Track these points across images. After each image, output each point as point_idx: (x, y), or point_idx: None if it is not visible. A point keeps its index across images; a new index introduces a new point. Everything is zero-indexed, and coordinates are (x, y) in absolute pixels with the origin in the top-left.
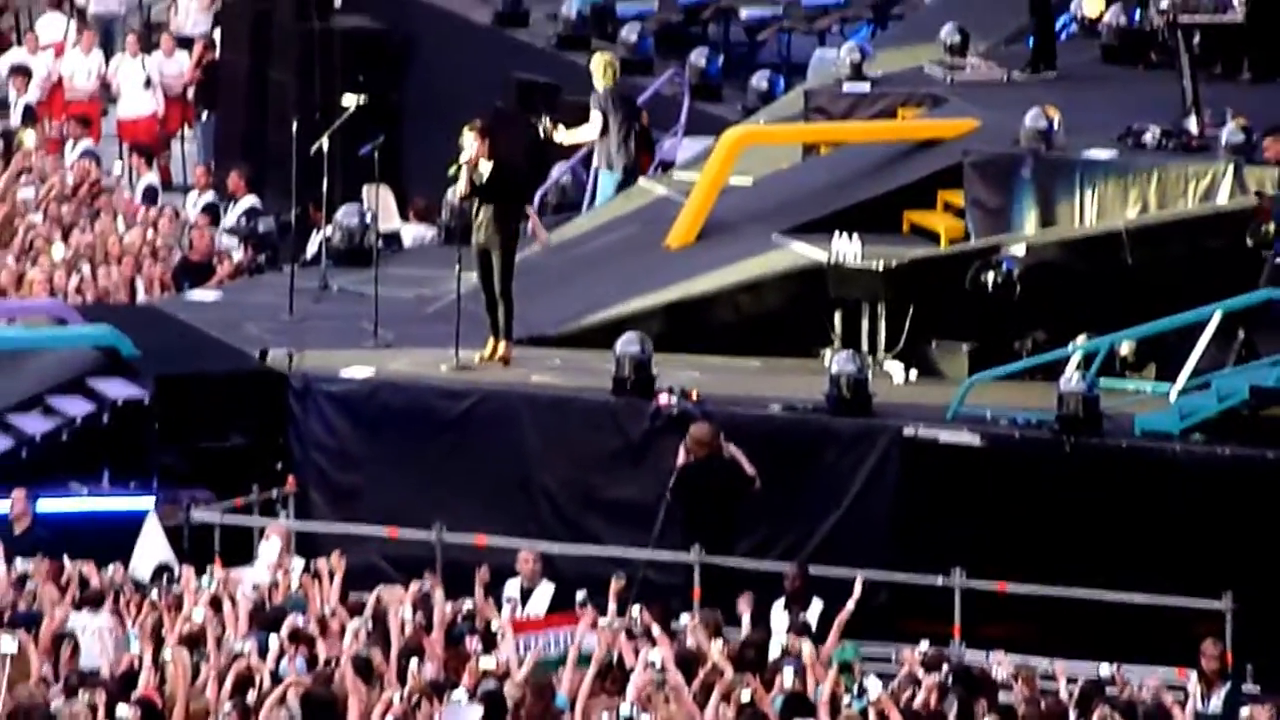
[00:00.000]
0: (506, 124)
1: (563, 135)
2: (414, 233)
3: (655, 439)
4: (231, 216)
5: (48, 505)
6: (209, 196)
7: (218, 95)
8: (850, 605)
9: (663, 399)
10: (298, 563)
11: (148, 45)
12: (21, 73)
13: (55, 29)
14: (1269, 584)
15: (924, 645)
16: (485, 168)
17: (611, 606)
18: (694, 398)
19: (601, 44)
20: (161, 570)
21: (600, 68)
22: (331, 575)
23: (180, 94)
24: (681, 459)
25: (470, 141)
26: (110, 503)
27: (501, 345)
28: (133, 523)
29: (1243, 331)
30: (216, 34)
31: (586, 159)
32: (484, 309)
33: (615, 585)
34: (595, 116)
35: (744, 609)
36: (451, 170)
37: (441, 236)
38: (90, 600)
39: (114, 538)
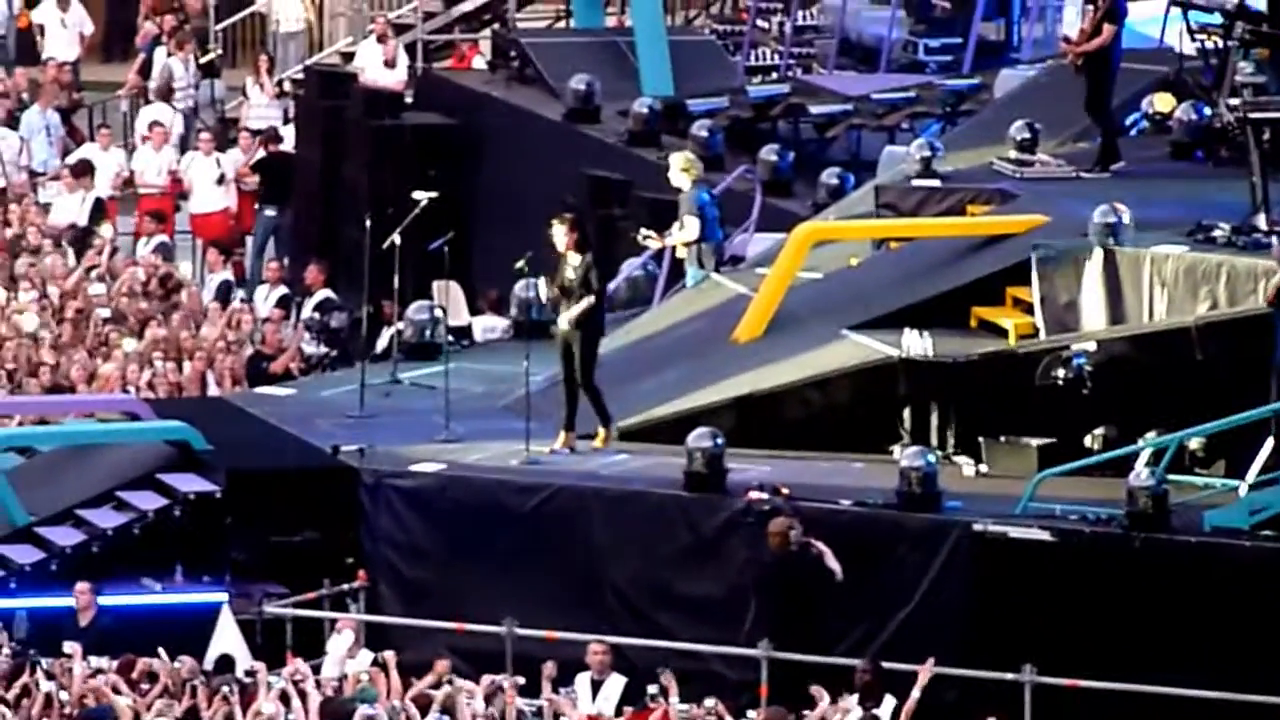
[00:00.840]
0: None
1: (666, 241)
2: (484, 324)
3: (727, 534)
4: (306, 310)
5: (117, 599)
6: (281, 291)
7: (291, 191)
8: (916, 694)
9: (754, 494)
10: (365, 656)
11: (223, 142)
12: (86, 169)
13: (160, 120)
14: None
15: None
16: (574, 260)
17: (674, 698)
18: (785, 494)
19: (672, 140)
20: (231, 663)
21: (683, 168)
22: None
23: (254, 190)
24: (767, 553)
25: (560, 234)
26: (182, 597)
27: (602, 432)
28: (205, 617)
29: None
30: (279, 126)
31: (658, 254)
32: (562, 400)
33: (666, 679)
34: (691, 221)
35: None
36: (519, 265)
37: (511, 331)
38: (163, 695)
39: (186, 632)
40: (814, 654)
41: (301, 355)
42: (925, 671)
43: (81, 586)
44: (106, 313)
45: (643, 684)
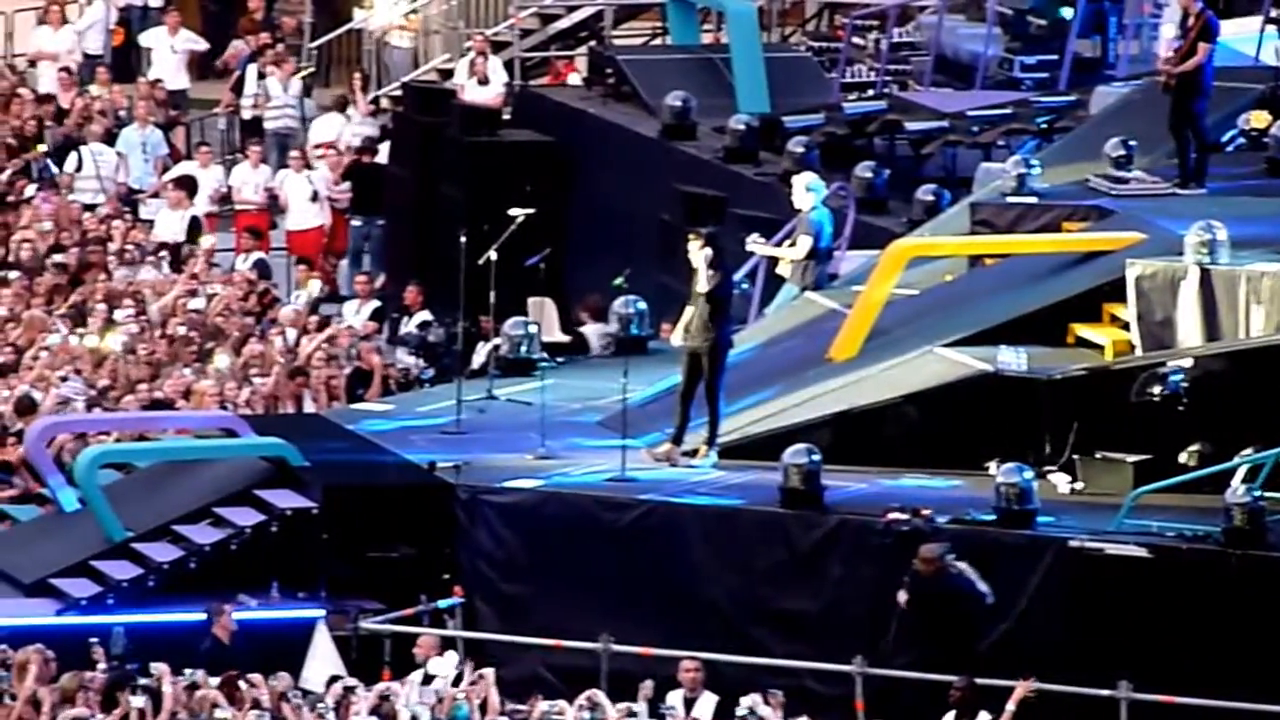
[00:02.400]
0: (672, 237)
1: (768, 250)
2: (597, 330)
3: (823, 550)
4: (404, 328)
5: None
6: (373, 305)
7: (380, 202)
8: (1011, 707)
9: (892, 515)
10: (451, 658)
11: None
12: (186, 184)
13: (331, 130)
14: None
15: None
16: (708, 274)
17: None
18: (925, 515)
19: (769, 156)
20: (331, 681)
21: (808, 186)
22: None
23: (347, 207)
24: (911, 577)
25: (696, 249)
26: (279, 613)
27: (703, 448)
28: (301, 633)
29: None
30: (371, 142)
31: (752, 272)
32: (675, 412)
33: (774, 699)
34: (805, 241)
35: None
36: (617, 281)
37: (611, 346)
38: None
39: (282, 648)
40: (965, 674)
41: (396, 372)
42: (1023, 688)
43: (227, 608)
44: (184, 329)
45: (736, 701)
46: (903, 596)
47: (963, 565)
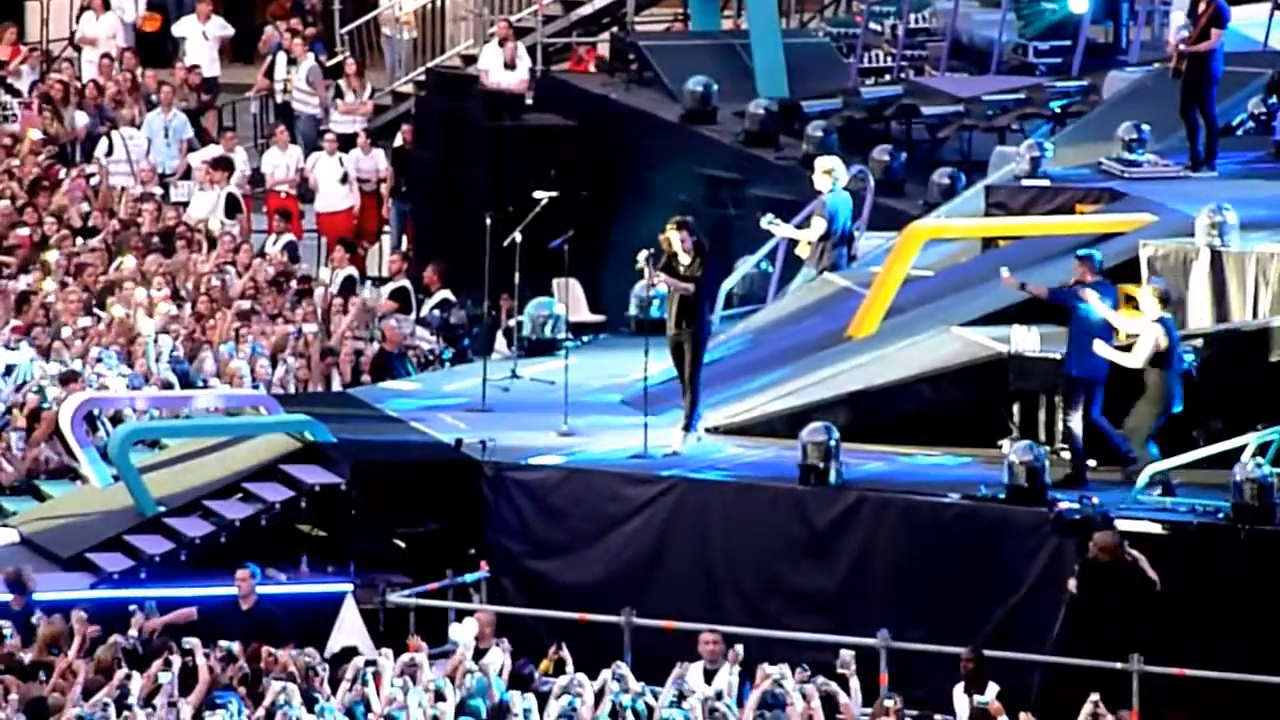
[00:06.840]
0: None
1: (784, 231)
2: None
3: (841, 527)
4: (425, 309)
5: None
6: (396, 284)
7: (407, 184)
8: None
9: (1064, 504)
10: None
11: (345, 143)
12: (224, 165)
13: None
14: None
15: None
16: (685, 259)
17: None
18: (1094, 501)
19: (789, 141)
20: (353, 652)
21: (825, 170)
22: None
23: (375, 189)
24: (1083, 564)
25: (675, 236)
26: (308, 587)
27: (681, 433)
28: (330, 606)
29: None
30: (363, 131)
31: (772, 253)
32: (681, 396)
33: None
34: (819, 223)
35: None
36: (639, 265)
37: (632, 327)
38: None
39: (312, 621)
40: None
41: (419, 352)
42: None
43: (243, 573)
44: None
45: (754, 674)
46: (1073, 584)
47: (1135, 553)
